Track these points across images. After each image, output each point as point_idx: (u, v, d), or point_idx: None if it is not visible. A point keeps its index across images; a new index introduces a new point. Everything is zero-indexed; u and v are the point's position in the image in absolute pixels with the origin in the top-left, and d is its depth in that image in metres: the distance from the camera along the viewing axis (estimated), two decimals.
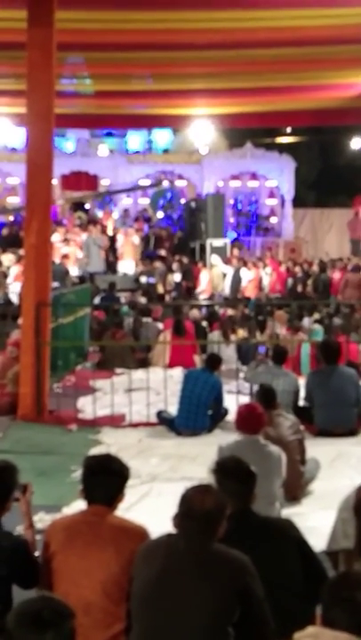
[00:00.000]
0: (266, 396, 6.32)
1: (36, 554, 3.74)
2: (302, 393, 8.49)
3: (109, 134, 27.43)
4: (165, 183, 26.32)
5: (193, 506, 3.29)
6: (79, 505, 5.81)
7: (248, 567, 3.23)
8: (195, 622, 3.08)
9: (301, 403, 8.43)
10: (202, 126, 22.58)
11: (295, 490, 6.11)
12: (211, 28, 11.17)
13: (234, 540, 3.35)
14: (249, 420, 5.49)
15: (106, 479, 3.72)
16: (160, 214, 27.28)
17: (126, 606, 3.42)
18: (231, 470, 3.80)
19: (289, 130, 28.34)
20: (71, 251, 21.19)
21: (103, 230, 22.38)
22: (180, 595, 3.13)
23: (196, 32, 11.33)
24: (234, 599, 3.15)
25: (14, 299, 17.56)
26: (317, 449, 6.95)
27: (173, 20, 10.34)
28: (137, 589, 3.26)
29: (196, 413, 8.39)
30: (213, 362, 8.90)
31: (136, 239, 22.73)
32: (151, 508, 5.90)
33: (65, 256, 20.65)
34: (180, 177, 27.19)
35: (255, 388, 7.98)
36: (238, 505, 3.68)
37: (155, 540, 3.44)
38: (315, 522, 5.46)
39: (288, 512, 5.48)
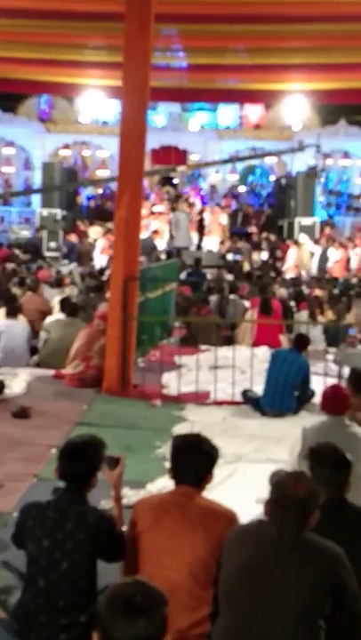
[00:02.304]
0: (358, 380, 6.14)
1: (123, 528, 3.70)
2: None
3: (200, 109, 27.21)
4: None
5: (286, 493, 3.19)
6: (163, 481, 5.80)
7: (342, 559, 3.11)
8: (285, 612, 2.98)
9: None
10: (295, 102, 22.27)
11: None
12: (308, 1, 10.92)
13: (327, 530, 3.24)
14: (334, 402, 5.36)
15: (195, 460, 3.65)
16: (247, 190, 26.99)
17: (213, 591, 3.34)
18: (326, 457, 3.67)
19: None
20: (160, 226, 21.19)
21: (190, 205, 22.26)
22: (271, 583, 3.03)
23: (296, 4, 11.09)
24: (326, 591, 3.04)
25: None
26: None
27: None
28: (226, 575, 3.17)
29: (283, 394, 8.24)
30: (302, 342, 8.71)
31: (224, 217, 22.55)
32: (235, 488, 5.80)
33: (155, 231, 20.66)
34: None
35: (344, 370, 7.82)
36: (332, 493, 3.56)
37: (245, 526, 3.34)
38: None
39: None
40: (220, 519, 3.53)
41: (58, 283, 14.22)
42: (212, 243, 21.57)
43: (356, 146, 26.59)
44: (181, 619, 3.36)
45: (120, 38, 9.25)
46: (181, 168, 24.01)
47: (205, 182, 26.98)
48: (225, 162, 25.48)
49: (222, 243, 21.65)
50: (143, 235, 16.78)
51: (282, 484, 3.22)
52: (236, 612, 3.06)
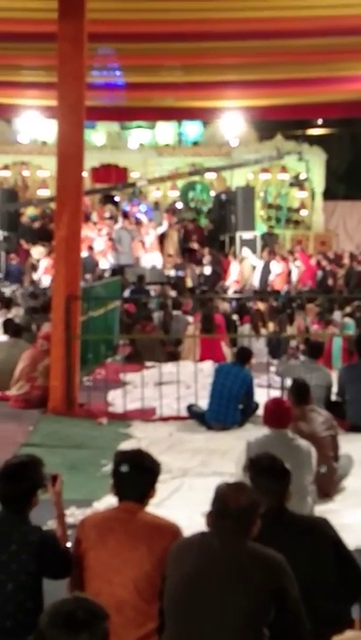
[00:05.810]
0: (299, 391, 6.24)
1: (68, 544, 3.70)
2: (335, 388, 8.38)
3: (139, 126, 27.30)
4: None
5: (227, 504, 3.22)
6: (110, 499, 5.78)
7: (283, 567, 3.16)
8: (229, 623, 3.01)
9: (334, 398, 8.33)
10: (232, 118, 22.47)
11: (328, 487, 6.02)
12: (242, 18, 11.06)
13: (268, 538, 3.28)
14: (277, 415, 5.42)
15: (137, 475, 3.66)
16: (187, 206, 27.11)
17: (159, 605, 3.36)
18: (265, 467, 3.72)
19: (320, 122, 28.07)
20: (102, 245, 21.16)
21: (137, 223, 22.26)
22: (214, 595, 3.06)
23: (228, 22, 11.22)
24: (269, 599, 3.07)
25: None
26: (350, 445, 6.84)
27: (205, 10, 10.24)
28: (170, 588, 3.19)
29: (227, 407, 8.32)
30: (244, 356, 8.81)
31: (160, 230, 22.56)
32: (182, 503, 5.85)
33: (91, 247, 20.65)
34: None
35: (287, 382, 7.92)
36: (272, 503, 3.61)
37: (188, 539, 3.37)
38: (349, 519, 5.40)
39: (321, 509, 5.40)
40: (163, 533, 3.55)
41: (6, 304, 14.08)
42: (153, 259, 21.61)
43: (292, 160, 26.87)
44: (128, 634, 3.38)
45: (56, 58, 9.31)
46: (141, 182, 24.11)
47: (147, 200, 27.04)
48: (191, 174, 25.60)
49: (169, 258, 21.72)
50: (84, 253, 16.75)
51: (223, 495, 3.26)
52: (181, 625, 3.09)
